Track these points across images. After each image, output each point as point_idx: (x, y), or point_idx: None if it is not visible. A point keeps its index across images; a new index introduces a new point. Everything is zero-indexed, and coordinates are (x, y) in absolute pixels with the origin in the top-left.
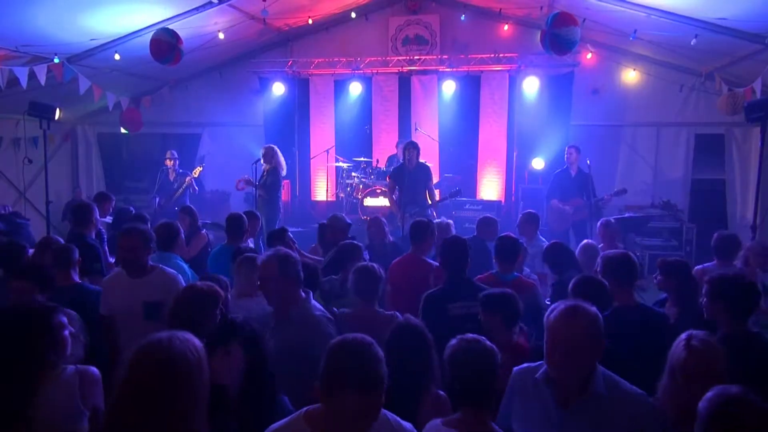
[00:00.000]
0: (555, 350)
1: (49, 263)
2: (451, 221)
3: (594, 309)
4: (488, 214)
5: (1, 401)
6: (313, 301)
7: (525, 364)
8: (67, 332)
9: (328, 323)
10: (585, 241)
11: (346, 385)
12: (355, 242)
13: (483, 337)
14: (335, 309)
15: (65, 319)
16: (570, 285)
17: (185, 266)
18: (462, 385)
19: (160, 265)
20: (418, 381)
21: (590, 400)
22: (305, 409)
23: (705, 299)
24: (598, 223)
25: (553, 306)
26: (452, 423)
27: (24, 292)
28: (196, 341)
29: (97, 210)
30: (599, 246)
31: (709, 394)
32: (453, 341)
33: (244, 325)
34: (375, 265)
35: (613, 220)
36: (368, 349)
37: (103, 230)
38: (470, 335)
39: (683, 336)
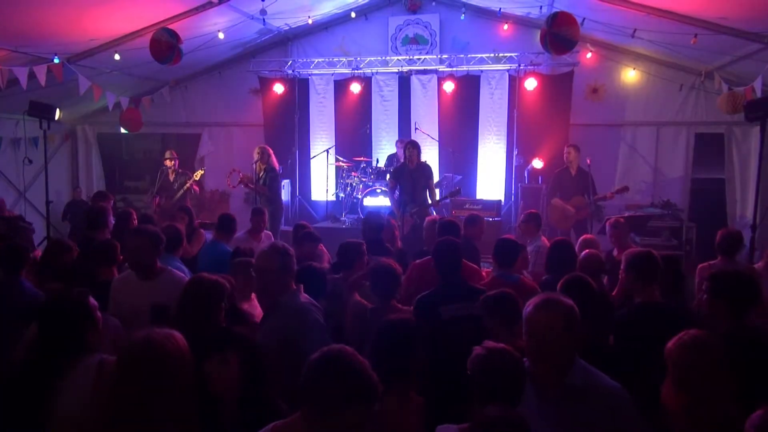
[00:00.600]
0: (530, 342)
1: (77, 263)
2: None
3: (569, 301)
4: (474, 213)
5: (32, 384)
6: (303, 294)
7: None
8: (98, 312)
9: (316, 311)
10: (584, 236)
11: (344, 401)
12: (360, 241)
13: (509, 347)
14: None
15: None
16: (558, 285)
17: (185, 269)
18: (491, 394)
19: (169, 267)
20: (397, 377)
21: (566, 393)
22: (272, 425)
23: (705, 296)
24: (607, 224)
25: (530, 300)
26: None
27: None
28: (179, 335)
29: (111, 213)
30: (612, 249)
31: (754, 415)
32: (479, 350)
33: (241, 334)
34: (391, 262)
35: (622, 220)
36: (356, 359)
37: None
38: (493, 343)
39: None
